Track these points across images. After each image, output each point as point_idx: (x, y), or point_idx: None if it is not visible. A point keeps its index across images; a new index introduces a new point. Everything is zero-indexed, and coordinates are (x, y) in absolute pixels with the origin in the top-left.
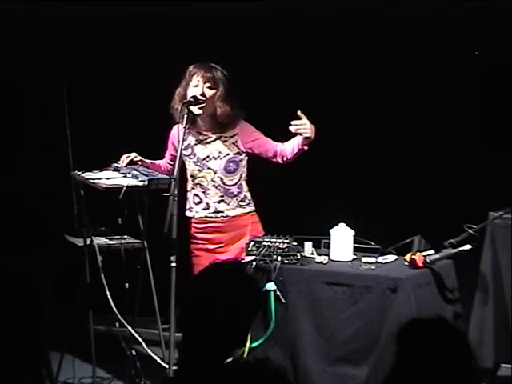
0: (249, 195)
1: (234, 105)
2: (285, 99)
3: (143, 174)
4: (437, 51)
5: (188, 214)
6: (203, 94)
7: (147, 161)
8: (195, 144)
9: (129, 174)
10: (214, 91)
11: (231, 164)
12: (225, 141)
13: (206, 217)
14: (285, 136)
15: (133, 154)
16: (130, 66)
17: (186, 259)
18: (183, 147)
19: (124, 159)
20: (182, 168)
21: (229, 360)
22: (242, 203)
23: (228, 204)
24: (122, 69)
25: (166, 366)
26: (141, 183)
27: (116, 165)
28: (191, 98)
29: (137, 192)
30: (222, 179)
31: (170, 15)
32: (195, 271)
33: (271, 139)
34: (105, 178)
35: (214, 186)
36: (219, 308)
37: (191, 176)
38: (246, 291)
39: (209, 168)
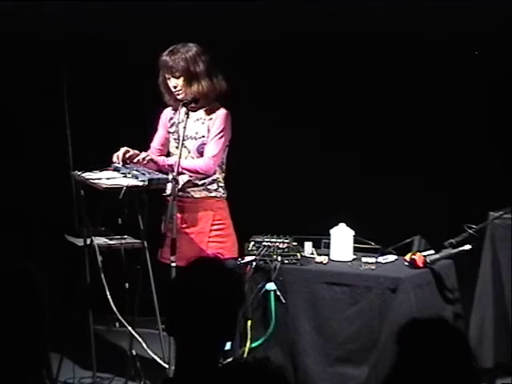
0: (221, 182)
1: (204, 80)
2: (285, 99)
3: (143, 174)
4: (437, 51)
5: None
6: (175, 86)
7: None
8: (179, 122)
9: (129, 174)
10: (181, 79)
11: (204, 146)
12: (203, 123)
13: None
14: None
15: (123, 150)
16: (130, 66)
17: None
18: (169, 125)
19: (115, 159)
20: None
21: (229, 360)
22: (209, 187)
23: (194, 185)
24: (123, 68)
25: (166, 365)
26: (141, 183)
27: (116, 165)
28: (191, 97)
29: (137, 192)
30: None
31: (170, 15)
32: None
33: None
34: (105, 178)
35: None
36: (204, 302)
37: (169, 152)
38: (227, 282)
39: (185, 147)
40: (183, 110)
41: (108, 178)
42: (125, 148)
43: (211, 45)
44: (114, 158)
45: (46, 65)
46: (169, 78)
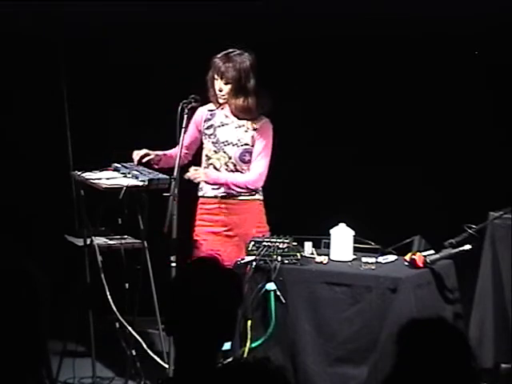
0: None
1: (252, 96)
2: (284, 99)
3: (143, 174)
4: (436, 51)
5: (199, 193)
6: (220, 90)
7: (159, 152)
8: (218, 126)
9: (129, 174)
10: (229, 86)
11: (247, 154)
12: (246, 131)
13: (216, 196)
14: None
15: (143, 151)
16: (130, 66)
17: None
18: (206, 127)
19: (135, 156)
20: (200, 147)
21: (229, 360)
22: (251, 191)
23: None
24: (123, 68)
25: (166, 365)
26: (141, 183)
27: (116, 165)
28: (191, 97)
29: (137, 192)
30: (235, 166)
31: (170, 16)
32: (195, 255)
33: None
34: (105, 178)
35: (226, 170)
36: (203, 302)
37: (206, 155)
38: (226, 282)
39: (225, 152)
40: (222, 112)
41: (108, 178)
42: (145, 151)
43: (211, 45)
44: (134, 155)
45: (46, 65)
46: (217, 79)
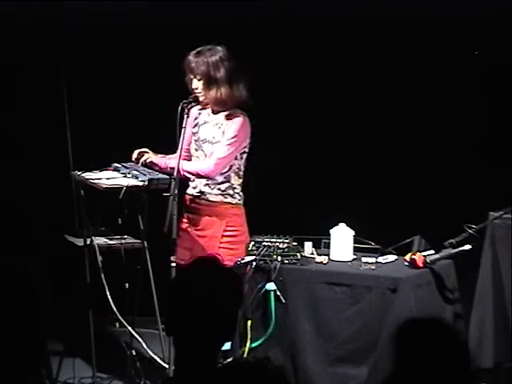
0: (237, 189)
1: (224, 87)
2: (283, 98)
3: (143, 174)
4: (437, 51)
5: (187, 190)
6: (196, 87)
7: (159, 157)
8: (202, 124)
9: (129, 174)
10: (201, 81)
11: None
12: (219, 127)
13: (192, 195)
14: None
15: (145, 155)
16: (130, 66)
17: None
18: (193, 125)
19: (136, 156)
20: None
21: (229, 360)
22: (224, 193)
23: (211, 189)
24: (123, 68)
25: (166, 365)
26: (141, 183)
27: (116, 165)
28: (191, 97)
29: (137, 192)
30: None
31: (170, 16)
32: (175, 250)
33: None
34: (105, 178)
35: None
36: (203, 302)
37: (191, 154)
38: (226, 282)
39: (202, 150)
40: (206, 111)
41: (108, 178)
42: (143, 149)
43: (211, 45)
44: (134, 155)
45: (46, 65)
46: (192, 78)
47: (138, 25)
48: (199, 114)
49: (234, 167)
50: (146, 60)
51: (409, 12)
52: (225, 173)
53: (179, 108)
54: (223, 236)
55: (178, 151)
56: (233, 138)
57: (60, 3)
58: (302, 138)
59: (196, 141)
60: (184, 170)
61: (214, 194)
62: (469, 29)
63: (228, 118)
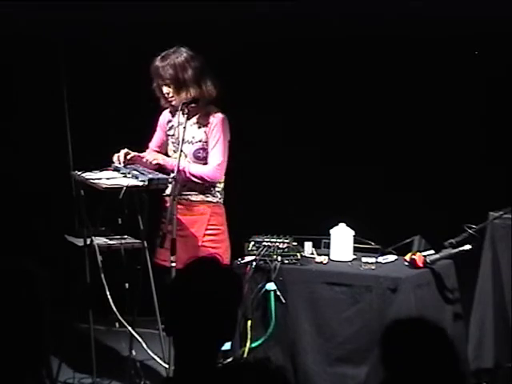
0: (218, 187)
1: (193, 87)
2: (283, 99)
3: (143, 174)
4: (437, 52)
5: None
6: (168, 93)
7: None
8: (177, 126)
9: (129, 174)
10: (172, 86)
11: (201, 151)
12: (199, 127)
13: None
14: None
15: (123, 152)
16: (130, 66)
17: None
18: (168, 128)
19: (119, 159)
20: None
21: (229, 360)
22: (205, 191)
23: (192, 189)
24: (123, 69)
25: (166, 365)
26: (141, 183)
27: (116, 165)
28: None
29: (137, 192)
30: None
31: (170, 16)
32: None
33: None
34: (105, 178)
35: None
36: (203, 302)
37: (167, 155)
38: (226, 282)
39: (181, 151)
40: (179, 112)
41: (108, 178)
42: (125, 150)
43: (211, 45)
44: (115, 159)
45: (46, 65)
46: (161, 84)
47: (138, 25)
48: (171, 116)
49: None
50: (146, 60)
51: (409, 12)
52: None
53: (179, 109)
54: (205, 235)
55: (178, 151)
56: (219, 139)
57: (60, 3)
58: (302, 138)
59: (174, 142)
60: (190, 173)
61: (194, 194)
62: (469, 29)
63: (206, 117)
